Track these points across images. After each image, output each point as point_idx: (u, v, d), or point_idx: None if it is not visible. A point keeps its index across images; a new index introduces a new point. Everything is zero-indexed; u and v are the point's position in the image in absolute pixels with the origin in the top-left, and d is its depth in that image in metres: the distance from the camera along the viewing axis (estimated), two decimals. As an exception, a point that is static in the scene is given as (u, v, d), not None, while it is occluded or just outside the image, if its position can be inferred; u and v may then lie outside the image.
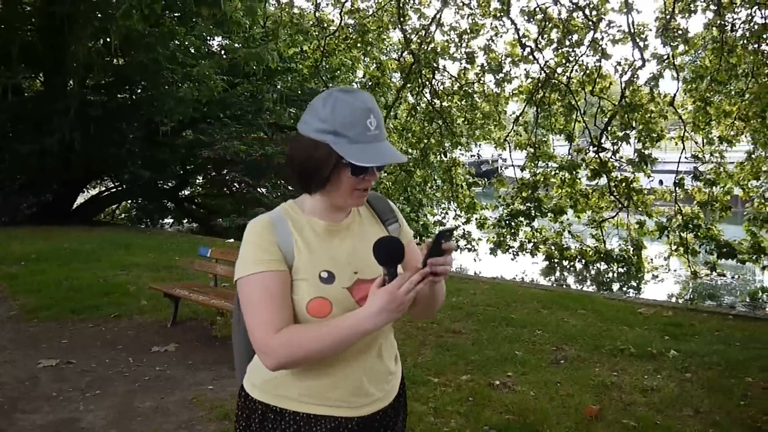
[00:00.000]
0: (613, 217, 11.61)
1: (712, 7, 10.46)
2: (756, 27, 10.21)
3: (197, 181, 18.43)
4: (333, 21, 13.22)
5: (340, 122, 1.36)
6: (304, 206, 1.51)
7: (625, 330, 5.75)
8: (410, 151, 13.43)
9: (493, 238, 12.03)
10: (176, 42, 14.86)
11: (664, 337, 5.55)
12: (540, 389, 4.25)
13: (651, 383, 4.35)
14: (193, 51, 15.76)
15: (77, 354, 5.08)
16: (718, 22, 10.39)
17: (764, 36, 10.29)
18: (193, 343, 5.45)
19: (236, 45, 14.42)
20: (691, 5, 10.64)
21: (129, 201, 18.77)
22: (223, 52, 15.88)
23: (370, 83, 13.74)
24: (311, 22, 12.85)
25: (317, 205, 1.49)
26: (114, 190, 17.71)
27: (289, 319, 1.40)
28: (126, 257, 9.45)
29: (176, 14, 14.82)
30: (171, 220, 19.29)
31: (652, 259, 11.80)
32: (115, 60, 14.74)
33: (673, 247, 11.12)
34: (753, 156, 10.98)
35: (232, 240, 10.44)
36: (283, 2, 12.53)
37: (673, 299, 10.28)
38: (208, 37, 16.45)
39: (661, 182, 13.11)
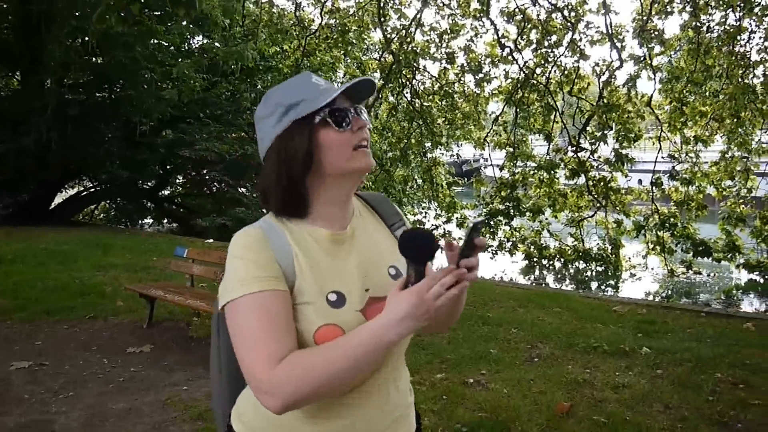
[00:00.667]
0: (591, 217, 11.73)
1: (688, 8, 10.60)
2: (731, 29, 10.38)
3: (177, 180, 18.31)
4: (313, 20, 13.22)
5: (288, 97, 1.23)
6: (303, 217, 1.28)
7: (599, 328, 5.83)
8: (390, 150, 13.47)
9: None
10: (155, 41, 14.76)
11: (638, 334, 5.64)
12: (513, 387, 4.29)
13: (622, 380, 4.42)
14: (173, 50, 15.67)
15: (51, 356, 5.04)
16: (694, 23, 10.53)
17: (738, 38, 10.47)
18: (169, 344, 5.43)
19: (216, 44, 14.34)
20: (668, 7, 10.77)
21: (108, 201, 18.59)
22: (202, 50, 15.79)
23: (350, 83, 13.73)
24: (292, 22, 12.83)
25: (319, 210, 1.27)
26: (92, 190, 17.53)
27: (293, 348, 1.14)
28: (103, 258, 9.38)
29: (156, 13, 14.72)
30: (150, 221, 19.16)
31: (629, 258, 11.95)
32: (93, 58, 14.61)
33: (650, 246, 11.26)
34: (727, 156, 11.13)
35: (211, 240, 10.40)
36: (262, 2, 12.49)
37: (650, 297, 10.42)
38: (189, 36, 16.35)
39: (640, 182, 13.26)
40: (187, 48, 16.39)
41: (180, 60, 14.00)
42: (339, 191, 1.27)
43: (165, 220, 19.05)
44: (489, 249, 11.99)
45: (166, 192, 18.92)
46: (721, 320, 6.19)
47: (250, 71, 14.69)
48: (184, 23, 14.57)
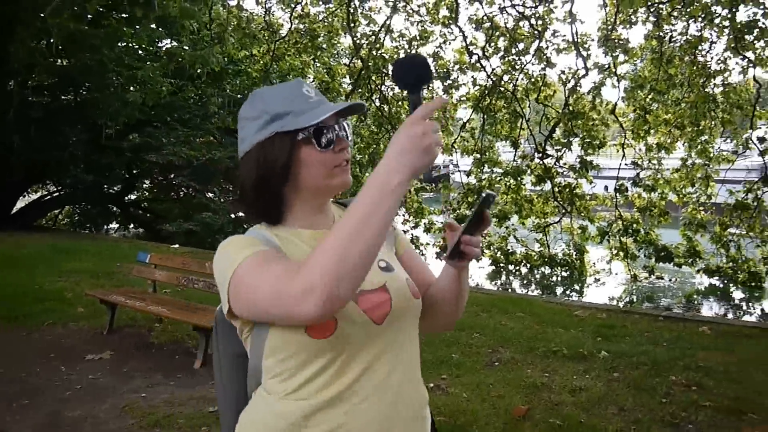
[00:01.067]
0: (557, 222, 11.89)
1: (651, 18, 10.83)
2: (693, 39, 10.64)
3: (144, 185, 18.06)
4: (283, 25, 13.20)
5: (276, 105, 1.21)
6: (280, 223, 1.27)
7: (560, 332, 5.92)
8: (359, 155, 13.50)
9: (440, 242, 12.16)
10: (123, 44, 14.56)
11: (597, 338, 5.73)
12: (473, 391, 4.34)
13: (580, 383, 4.49)
14: (140, 53, 15.48)
15: (6, 363, 4.93)
16: (658, 33, 10.77)
17: (699, 48, 10.73)
18: (130, 351, 5.36)
19: (185, 48, 14.22)
20: (632, 17, 10.99)
21: (72, 206, 18.26)
22: (168, 54, 15.64)
23: (319, 88, 13.74)
24: (261, 26, 12.79)
25: (296, 216, 1.26)
26: (56, 194, 17.21)
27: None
28: (66, 263, 9.22)
29: (123, 15, 14.52)
30: (116, 226, 18.86)
31: (594, 263, 12.13)
32: (58, 60, 14.36)
33: (614, 252, 11.45)
34: (688, 163, 11.38)
35: (176, 245, 10.30)
36: (231, 5, 12.44)
37: (613, 302, 10.60)
38: (157, 39, 16.16)
39: (606, 188, 13.48)
40: (154, 51, 16.20)
41: (147, 63, 13.85)
42: (314, 202, 1.26)
43: (131, 225, 18.78)
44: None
45: (133, 196, 18.65)
46: (678, 324, 6.32)
47: (218, 75, 14.59)
48: (153, 26, 14.40)
